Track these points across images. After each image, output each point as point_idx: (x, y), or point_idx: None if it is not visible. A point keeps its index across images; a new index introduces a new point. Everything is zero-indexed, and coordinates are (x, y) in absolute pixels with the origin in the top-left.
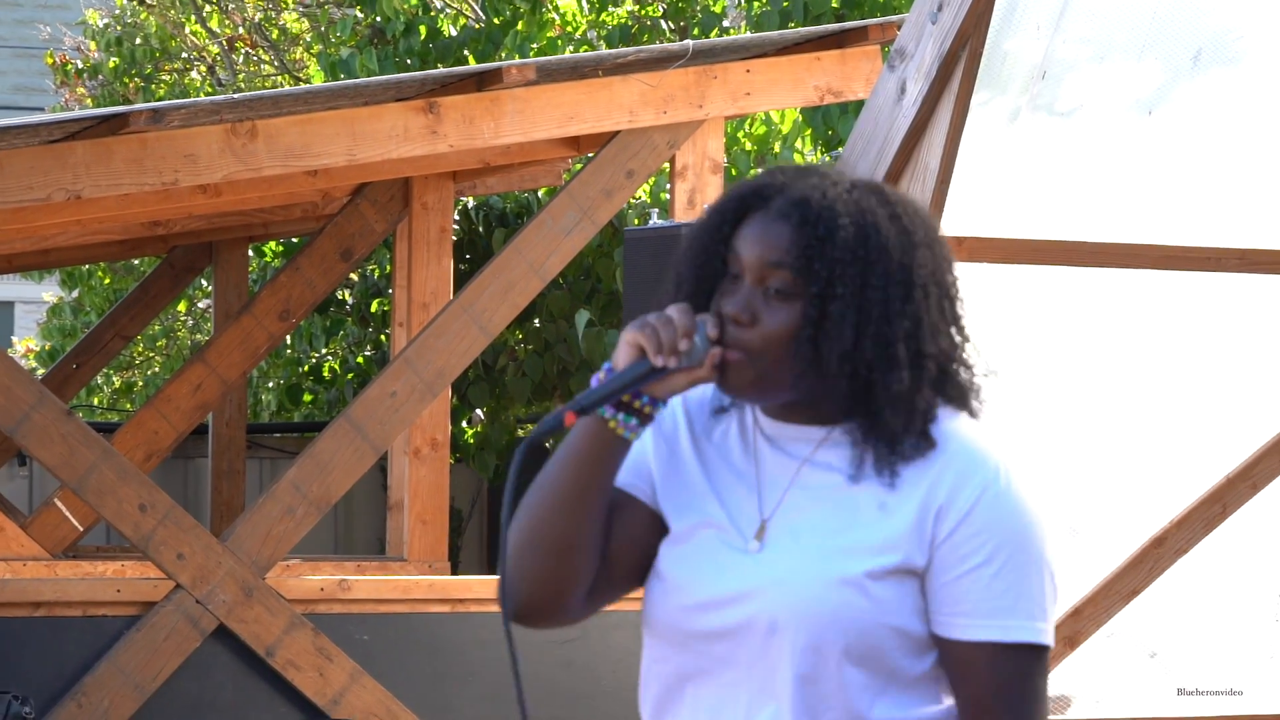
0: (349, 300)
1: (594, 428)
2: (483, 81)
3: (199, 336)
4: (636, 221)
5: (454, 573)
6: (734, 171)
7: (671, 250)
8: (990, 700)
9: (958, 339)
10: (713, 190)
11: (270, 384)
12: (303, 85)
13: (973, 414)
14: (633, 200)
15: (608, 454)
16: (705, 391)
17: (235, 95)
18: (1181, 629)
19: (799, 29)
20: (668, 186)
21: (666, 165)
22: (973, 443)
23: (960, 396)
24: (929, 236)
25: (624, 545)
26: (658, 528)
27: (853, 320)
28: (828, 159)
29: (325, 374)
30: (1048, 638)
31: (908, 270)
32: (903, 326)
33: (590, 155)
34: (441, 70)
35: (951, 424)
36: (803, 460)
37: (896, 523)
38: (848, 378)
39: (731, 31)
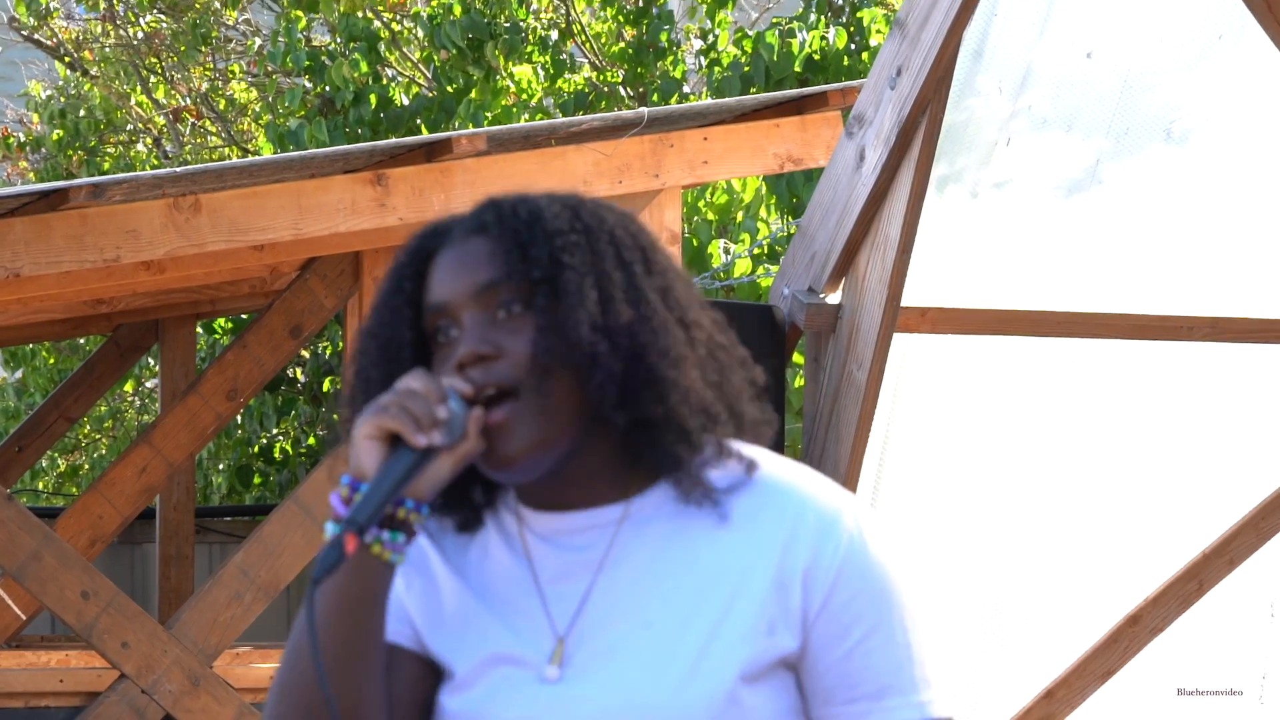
0: (300, 378)
1: (352, 559)
2: (432, 152)
3: (146, 417)
4: None
5: None
6: (695, 242)
7: None
8: None
9: (718, 327)
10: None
11: (220, 465)
12: (248, 157)
13: (750, 430)
14: None
15: (375, 588)
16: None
17: (178, 169)
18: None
19: (758, 95)
20: None
21: None
22: (810, 485)
23: (736, 416)
24: (632, 218)
25: (410, 712)
26: (435, 678)
27: (593, 283)
28: (792, 229)
29: (276, 455)
30: (948, 708)
31: (636, 236)
32: (653, 285)
33: None
34: (390, 141)
35: (762, 458)
36: (602, 553)
37: (754, 599)
38: (610, 353)
39: (693, 97)
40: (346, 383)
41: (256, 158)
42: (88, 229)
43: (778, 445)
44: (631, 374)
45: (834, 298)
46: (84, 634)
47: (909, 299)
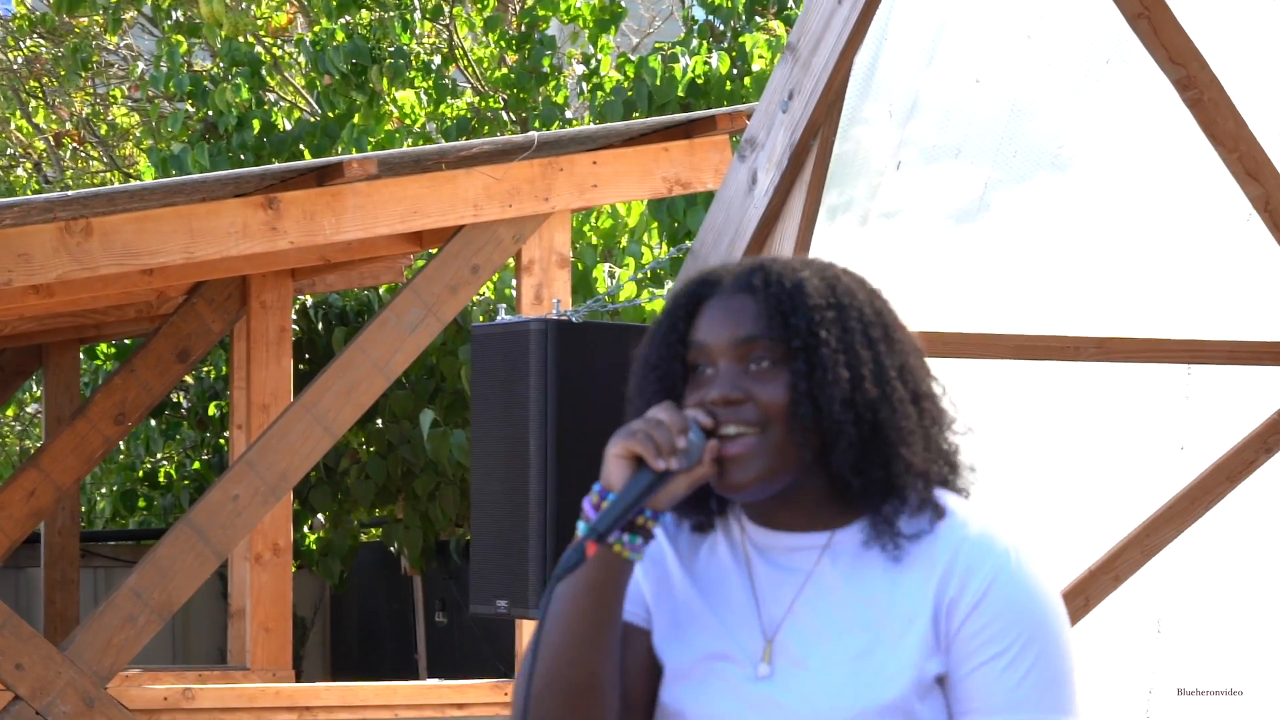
0: (184, 403)
1: (599, 554)
2: (323, 176)
3: (27, 442)
4: (482, 318)
5: (298, 681)
6: (580, 266)
7: (521, 346)
8: None
9: (939, 390)
10: (560, 285)
11: (104, 490)
12: (137, 182)
13: (960, 490)
14: (476, 297)
15: (616, 580)
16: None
17: (69, 193)
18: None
19: (646, 119)
20: (513, 282)
21: (512, 260)
22: (978, 523)
23: (948, 458)
24: (879, 294)
25: (639, 680)
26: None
27: (844, 362)
28: (678, 254)
29: (161, 479)
30: None
31: (881, 314)
32: (894, 364)
33: (434, 250)
34: (281, 165)
35: (949, 501)
36: (807, 572)
37: (919, 627)
38: (854, 425)
39: (575, 123)
40: (628, 402)
41: (148, 182)
42: None
43: None
44: (868, 444)
45: None
46: None
47: None
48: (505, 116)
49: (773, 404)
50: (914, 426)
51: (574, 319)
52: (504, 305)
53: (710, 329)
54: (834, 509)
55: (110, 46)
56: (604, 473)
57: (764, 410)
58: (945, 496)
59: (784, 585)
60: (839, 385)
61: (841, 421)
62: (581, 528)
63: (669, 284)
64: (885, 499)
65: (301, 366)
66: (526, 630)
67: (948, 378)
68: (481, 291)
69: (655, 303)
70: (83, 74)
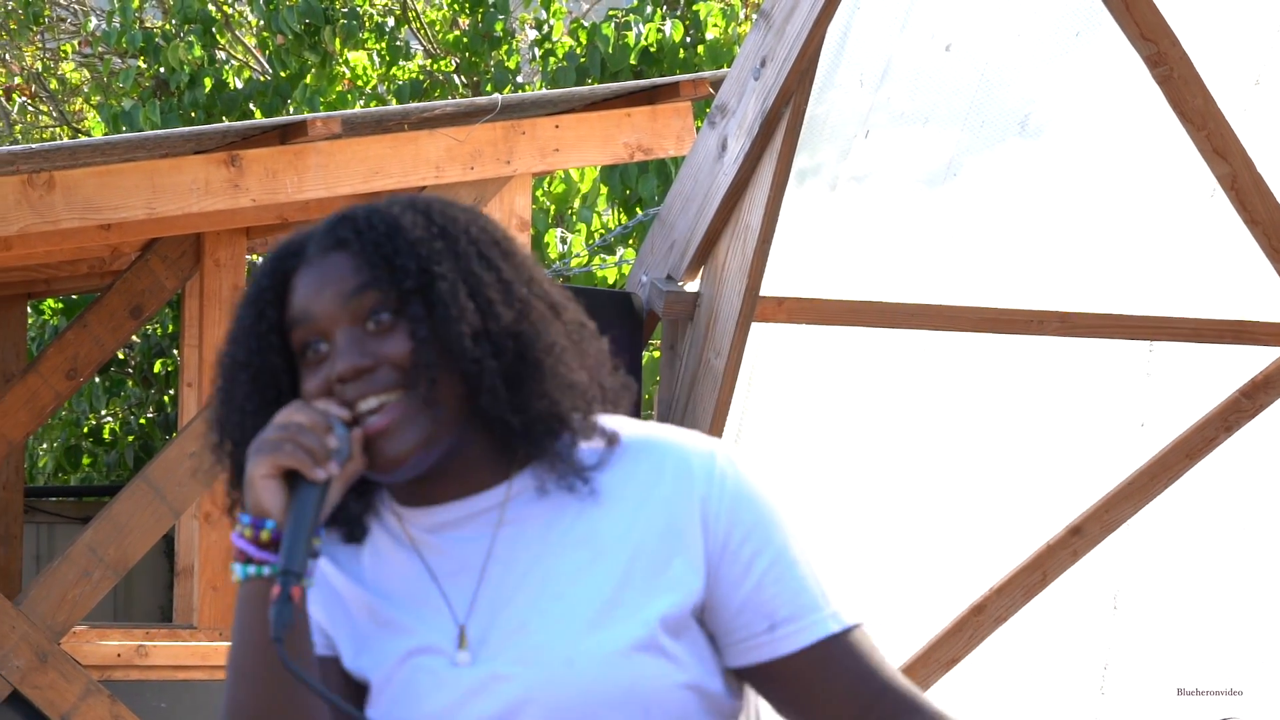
0: (130, 360)
1: (255, 591)
2: (286, 134)
3: None
4: None
5: None
6: (533, 230)
7: None
8: (860, 691)
9: (581, 316)
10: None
11: (45, 445)
12: (99, 136)
13: (616, 402)
14: None
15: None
16: None
17: (32, 145)
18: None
19: (610, 84)
20: None
21: None
22: (674, 436)
23: (613, 391)
24: (478, 212)
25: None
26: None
27: (466, 291)
28: (646, 220)
29: (106, 436)
30: (858, 614)
31: (486, 230)
32: (522, 279)
33: None
34: (244, 123)
35: (622, 426)
36: (490, 538)
37: (646, 561)
38: (494, 356)
39: (526, 87)
40: (213, 413)
41: (110, 136)
42: None
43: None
44: (517, 373)
45: (692, 286)
46: None
47: (766, 289)
48: (457, 80)
49: (405, 358)
50: (563, 340)
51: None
52: None
53: (310, 300)
54: (501, 463)
55: (62, 1)
56: (251, 499)
57: (398, 368)
58: (604, 420)
59: (466, 560)
60: (466, 317)
61: (480, 356)
62: (240, 570)
63: (621, 251)
64: (554, 433)
65: None
66: None
67: (912, 350)
68: None
69: (608, 270)
70: (34, 28)
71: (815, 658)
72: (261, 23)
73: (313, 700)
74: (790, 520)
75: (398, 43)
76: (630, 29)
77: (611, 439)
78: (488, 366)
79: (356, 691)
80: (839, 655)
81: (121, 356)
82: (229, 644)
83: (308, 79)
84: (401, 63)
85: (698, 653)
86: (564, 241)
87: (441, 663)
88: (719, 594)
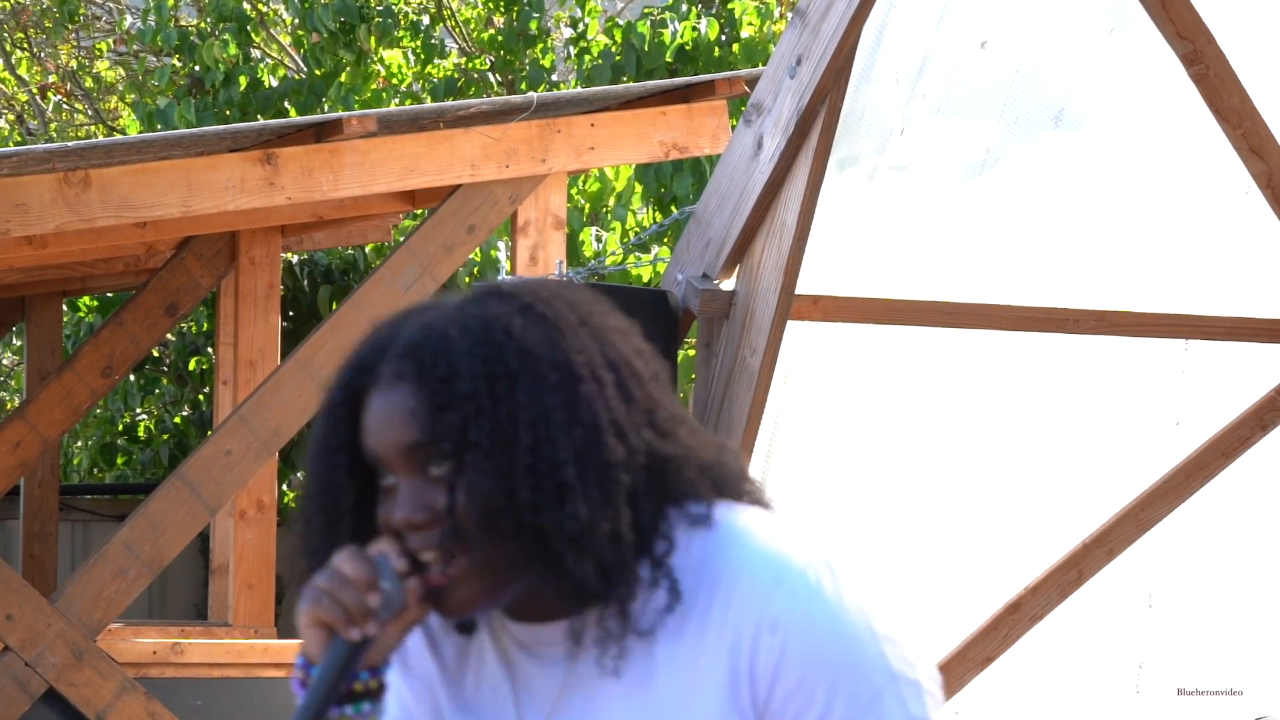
0: (165, 358)
1: None
2: (322, 132)
3: (3, 394)
4: (468, 280)
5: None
6: (568, 229)
7: None
8: None
9: (668, 422)
10: (555, 246)
11: (79, 443)
12: (132, 135)
13: (740, 498)
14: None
15: None
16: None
17: (68, 144)
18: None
19: (646, 83)
20: (499, 244)
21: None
22: (753, 554)
23: (713, 486)
24: (583, 314)
25: None
26: None
27: (494, 463)
28: (658, 216)
29: (140, 434)
30: None
31: (564, 366)
32: (573, 440)
33: (420, 211)
34: (279, 120)
35: (706, 536)
36: (567, 664)
37: (707, 702)
38: (515, 534)
39: (561, 86)
40: (304, 531)
41: (146, 134)
42: None
43: None
44: (533, 545)
45: (728, 284)
46: None
47: (801, 287)
48: (492, 78)
49: (460, 515)
50: (584, 525)
51: (576, 280)
52: (504, 267)
53: (376, 437)
54: (569, 591)
55: (97, 0)
56: (304, 643)
57: (459, 523)
58: (711, 530)
59: (547, 680)
60: (478, 495)
61: (500, 532)
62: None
63: (656, 250)
64: (594, 598)
65: (285, 324)
66: None
67: (947, 348)
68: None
69: (643, 268)
70: (69, 26)
71: None
72: (296, 21)
73: None
74: (866, 646)
75: (433, 41)
76: (665, 27)
77: (672, 590)
78: (509, 540)
79: None
80: None
81: (156, 354)
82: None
83: (342, 77)
84: (436, 61)
85: None
86: (599, 240)
87: None
88: None
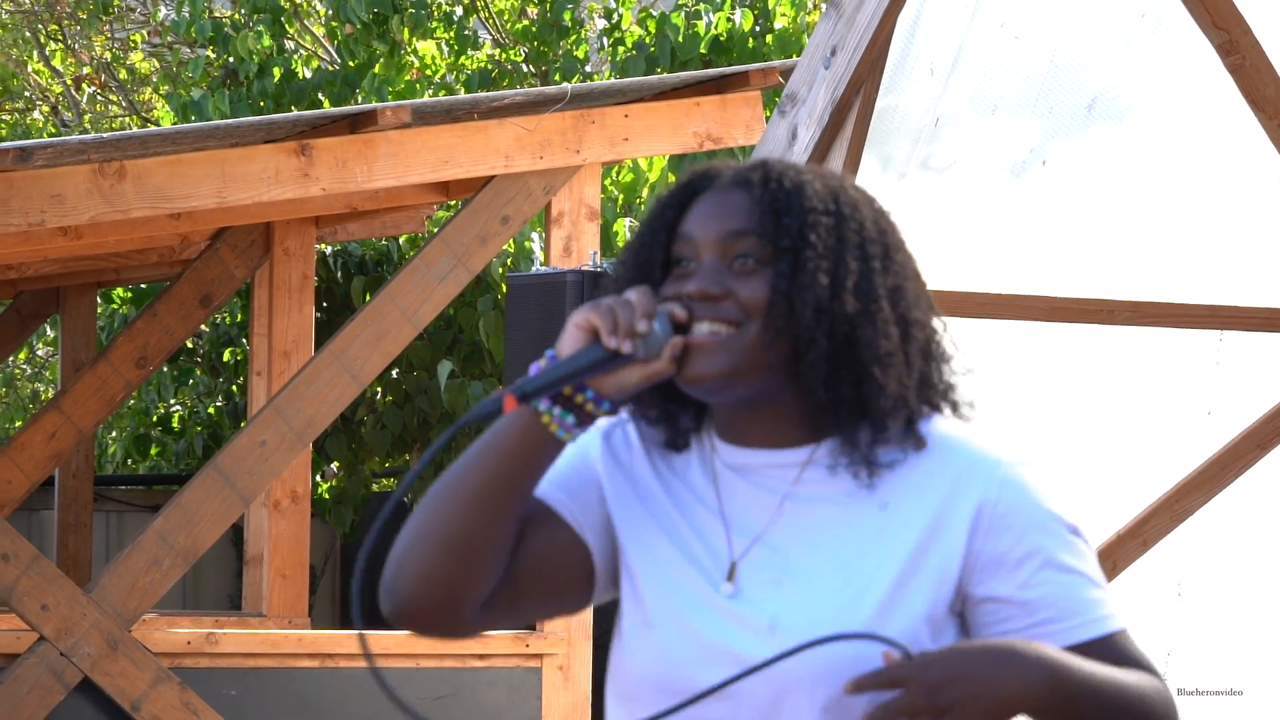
0: (199, 349)
1: (525, 420)
2: (356, 124)
3: (38, 385)
4: (501, 270)
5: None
6: (602, 219)
7: (556, 296)
8: None
9: (939, 325)
10: (589, 238)
11: (114, 434)
12: (166, 126)
13: (957, 413)
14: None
15: (535, 452)
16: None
17: (103, 135)
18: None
19: (680, 74)
20: (532, 235)
21: (542, 211)
22: (971, 440)
23: (944, 394)
24: (885, 214)
25: (533, 565)
26: (578, 558)
27: (828, 269)
28: None
29: (175, 425)
30: (1121, 621)
31: (884, 233)
32: (886, 283)
33: (454, 202)
34: (314, 112)
35: (939, 425)
36: (784, 492)
37: (917, 559)
38: (826, 335)
39: (595, 77)
40: (614, 276)
41: (181, 125)
42: (13, 193)
43: None
44: (839, 358)
45: None
46: (3, 596)
47: None
48: (526, 69)
49: (751, 301)
50: (894, 349)
51: (610, 271)
52: (538, 258)
53: (699, 222)
54: (810, 427)
55: None
56: (560, 339)
57: (742, 307)
58: (933, 423)
59: (757, 503)
60: (815, 290)
61: (813, 329)
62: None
63: None
64: (858, 420)
65: (319, 315)
66: None
67: (981, 338)
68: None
69: None
70: (103, 18)
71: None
72: (330, 12)
73: (501, 548)
74: (1069, 529)
75: (466, 32)
76: (700, 18)
77: (919, 443)
78: (817, 341)
79: (564, 553)
80: (1096, 657)
81: (190, 345)
82: (451, 472)
83: (376, 68)
84: (470, 52)
85: (938, 637)
86: (632, 231)
87: (707, 587)
88: (983, 589)
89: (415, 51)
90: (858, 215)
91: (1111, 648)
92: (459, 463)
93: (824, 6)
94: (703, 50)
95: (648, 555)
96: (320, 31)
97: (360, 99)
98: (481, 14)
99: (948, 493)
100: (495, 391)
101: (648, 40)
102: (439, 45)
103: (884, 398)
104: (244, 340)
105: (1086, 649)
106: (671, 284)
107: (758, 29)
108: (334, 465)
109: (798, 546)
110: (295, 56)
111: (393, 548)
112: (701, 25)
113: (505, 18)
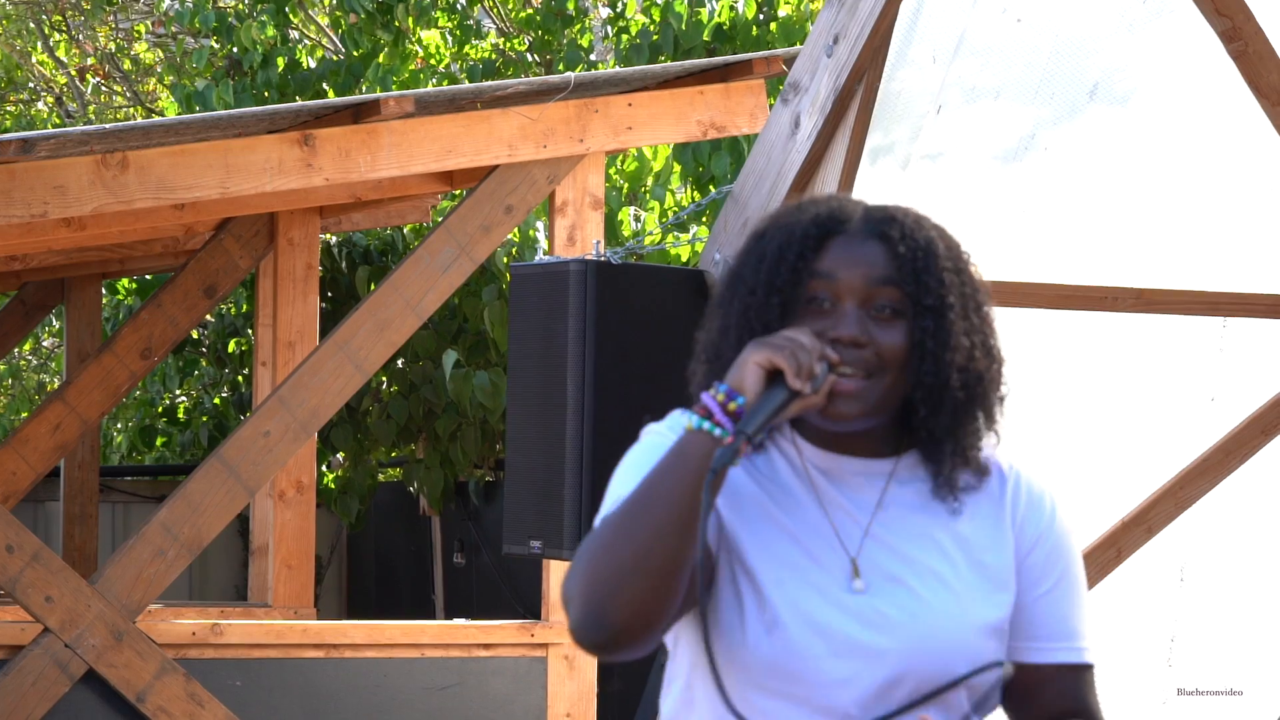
0: (204, 340)
1: (710, 446)
2: (359, 113)
3: (43, 377)
4: (506, 260)
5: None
6: (607, 208)
7: (560, 286)
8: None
9: (1002, 362)
10: (593, 226)
11: (119, 425)
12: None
13: (998, 436)
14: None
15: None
16: None
17: (105, 125)
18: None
19: (683, 62)
20: (537, 224)
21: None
22: (1026, 468)
23: (998, 424)
24: (971, 262)
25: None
26: (709, 564)
27: (964, 329)
28: (696, 195)
29: (180, 415)
30: (1094, 658)
31: (980, 284)
32: (992, 334)
33: (459, 192)
34: (317, 102)
35: (994, 453)
36: (876, 499)
37: (999, 556)
38: (962, 390)
39: (599, 66)
40: (726, 315)
41: (183, 116)
42: (16, 184)
43: None
44: (965, 409)
45: None
46: (7, 588)
47: None
48: (530, 58)
49: (889, 352)
50: (1000, 394)
51: (613, 260)
52: (542, 247)
53: (841, 266)
54: (894, 441)
55: None
56: (735, 375)
57: (881, 357)
58: (988, 452)
59: (855, 508)
60: (959, 351)
61: (953, 386)
62: (696, 421)
63: (695, 229)
64: (953, 457)
65: (324, 305)
66: (554, 571)
67: None
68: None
69: (681, 248)
70: (107, 8)
71: (1046, 675)
72: (334, 2)
73: (690, 570)
74: (1080, 565)
75: (470, 21)
76: (703, 6)
77: (984, 470)
78: (953, 395)
79: (705, 558)
80: (1067, 681)
81: (195, 336)
82: (624, 499)
83: (380, 58)
84: (474, 41)
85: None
86: (637, 220)
87: (833, 585)
88: (1017, 592)
89: (419, 41)
90: (967, 269)
91: (1081, 680)
92: (644, 492)
93: None
94: (706, 38)
95: (769, 553)
96: (324, 21)
97: (364, 89)
98: (485, 3)
99: (1010, 517)
100: (726, 444)
101: (651, 28)
102: (443, 35)
103: (977, 436)
104: (249, 331)
105: (1063, 671)
106: (810, 322)
107: (761, 17)
108: (339, 455)
109: (903, 548)
110: (299, 46)
111: (581, 581)
112: (705, 13)
113: (509, 7)
